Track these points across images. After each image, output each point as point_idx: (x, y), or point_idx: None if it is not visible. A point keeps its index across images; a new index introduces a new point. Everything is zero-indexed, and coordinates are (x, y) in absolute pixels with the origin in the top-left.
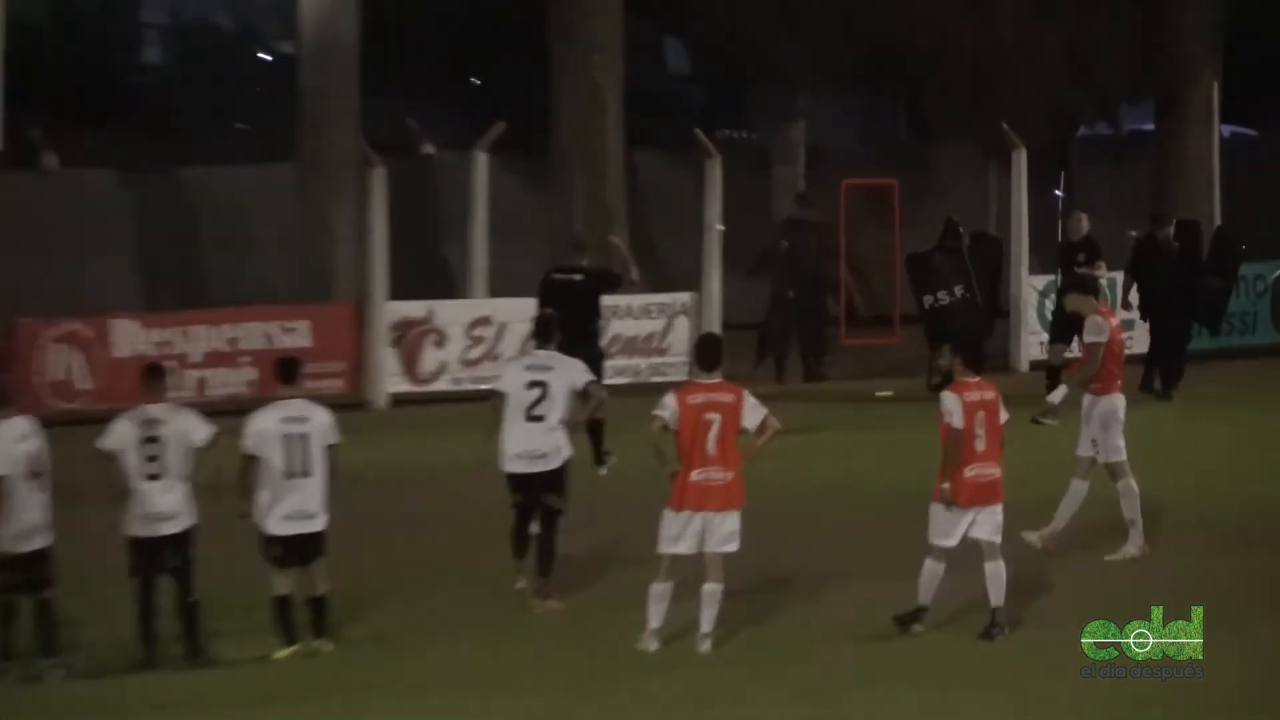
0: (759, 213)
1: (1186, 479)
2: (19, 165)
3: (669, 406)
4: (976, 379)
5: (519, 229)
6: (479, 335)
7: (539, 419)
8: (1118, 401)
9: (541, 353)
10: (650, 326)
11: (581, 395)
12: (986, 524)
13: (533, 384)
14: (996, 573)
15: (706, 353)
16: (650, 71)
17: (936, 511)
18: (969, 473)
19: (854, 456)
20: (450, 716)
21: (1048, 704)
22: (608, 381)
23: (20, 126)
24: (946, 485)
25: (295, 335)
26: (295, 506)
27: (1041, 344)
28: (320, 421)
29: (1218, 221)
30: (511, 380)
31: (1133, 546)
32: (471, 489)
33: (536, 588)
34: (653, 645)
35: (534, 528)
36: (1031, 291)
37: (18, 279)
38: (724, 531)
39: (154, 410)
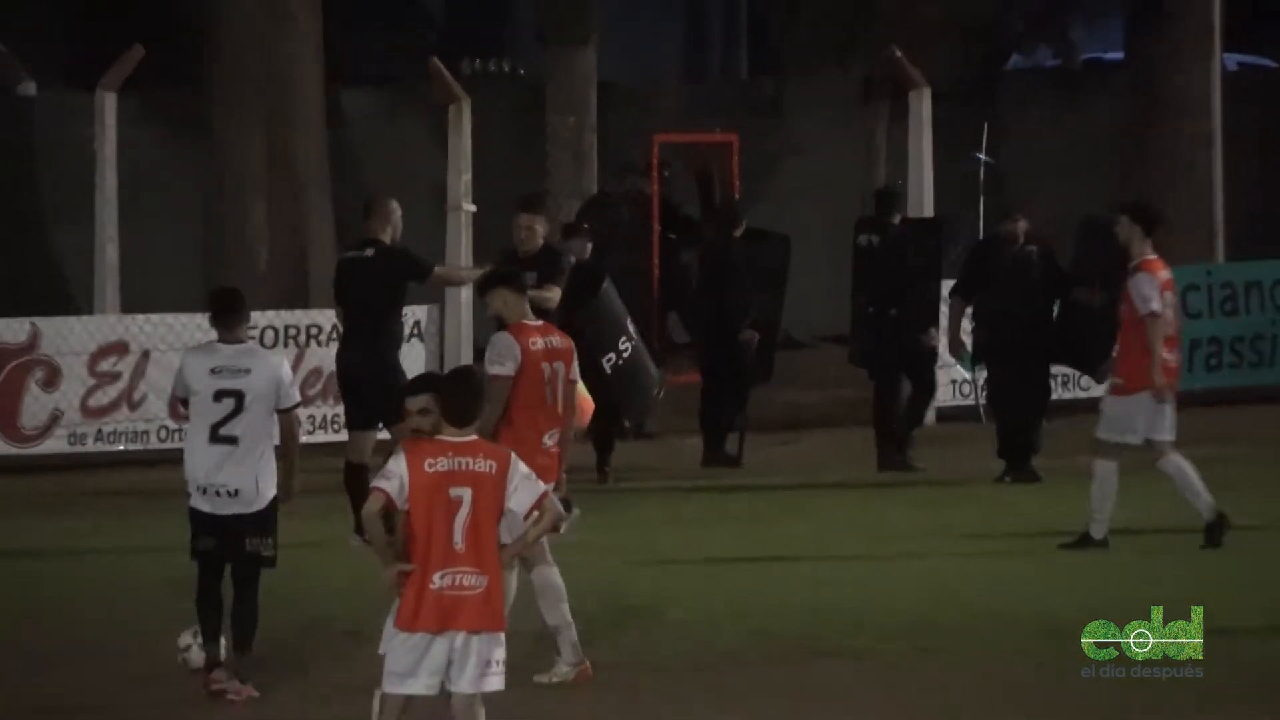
0: (528, 179)
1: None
2: None
3: (395, 475)
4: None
5: (170, 207)
6: (110, 370)
7: (230, 440)
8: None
9: (226, 347)
10: None
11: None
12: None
13: (222, 394)
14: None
15: (455, 398)
16: None
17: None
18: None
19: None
20: None
21: None
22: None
23: None
24: None
25: None
26: None
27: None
28: None
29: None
30: (195, 380)
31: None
32: (104, 611)
33: (226, 662)
34: None
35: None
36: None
37: None
38: (481, 663)
39: None
